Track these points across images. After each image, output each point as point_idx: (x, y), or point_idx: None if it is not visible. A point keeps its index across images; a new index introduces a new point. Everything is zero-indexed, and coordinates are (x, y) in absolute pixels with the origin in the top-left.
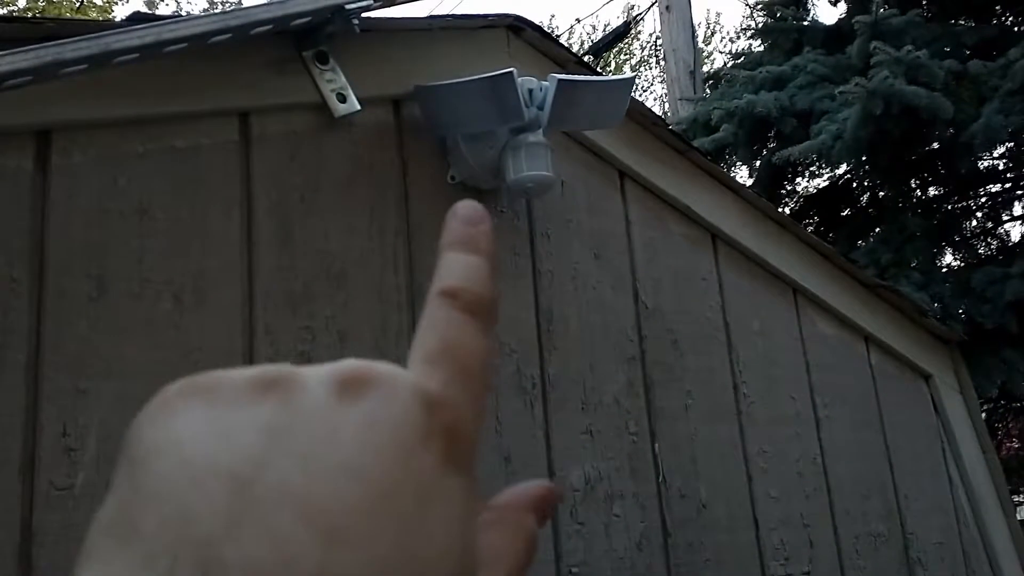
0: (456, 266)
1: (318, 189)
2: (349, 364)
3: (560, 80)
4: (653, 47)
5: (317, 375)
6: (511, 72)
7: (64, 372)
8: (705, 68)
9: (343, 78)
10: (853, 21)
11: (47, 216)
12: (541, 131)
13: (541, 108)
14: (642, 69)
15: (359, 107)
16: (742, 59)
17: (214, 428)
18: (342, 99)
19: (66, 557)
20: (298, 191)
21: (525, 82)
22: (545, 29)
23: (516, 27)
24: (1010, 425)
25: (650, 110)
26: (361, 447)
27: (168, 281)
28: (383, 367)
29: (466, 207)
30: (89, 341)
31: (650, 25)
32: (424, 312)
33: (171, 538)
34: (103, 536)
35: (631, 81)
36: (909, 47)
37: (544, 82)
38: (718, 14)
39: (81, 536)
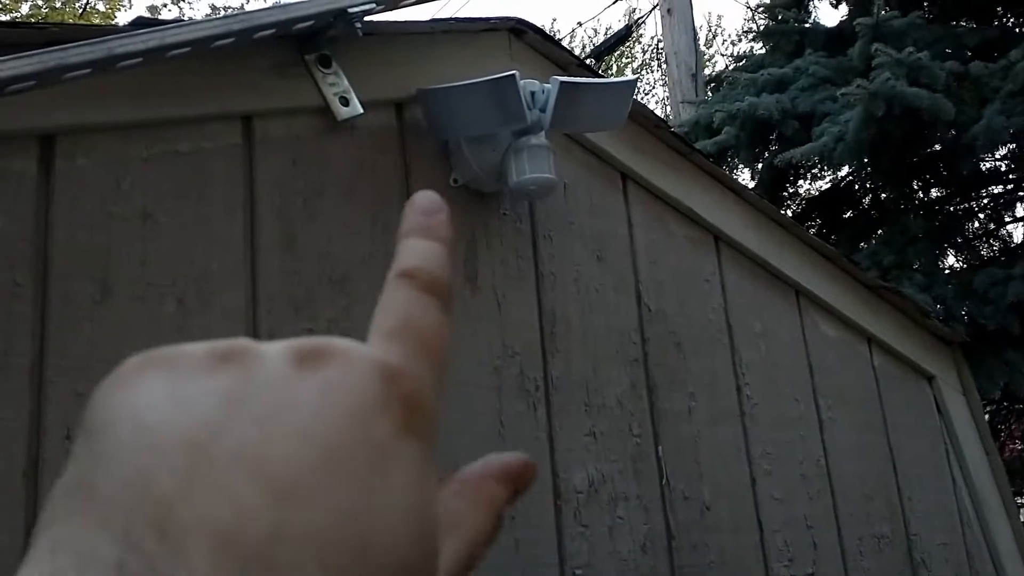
0: (414, 250)
1: (321, 193)
2: (307, 338)
3: (562, 82)
4: (655, 51)
5: (275, 347)
6: (513, 75)
7: (68, 376)
8: (707, 71)
9: (345, 81)
10: (854, 23)
11: (51, 220)
12: (543, 133)
13: (543, 110)
14: (644, 72)
15: (362, 110)
16: (743, 62)
17: (171, 397)
18: (345, 103)
19: None
20: (301, 195)
21: (527, 84)
22: (547, 32)
23: (518, 30)
24: (1012, 427)
25: (652, 112)
26: (317, 413)
27: (172, 284)
28: (342, 341)
29: (424, 197)
30: (93, 345)
31: (651, 29)
32: (382, 293)
33: (128, 499)
34: (62, 500)
35: (633, 83)
36: (910, 48)
37: (546, 84)
38: (719, 17)
39: None
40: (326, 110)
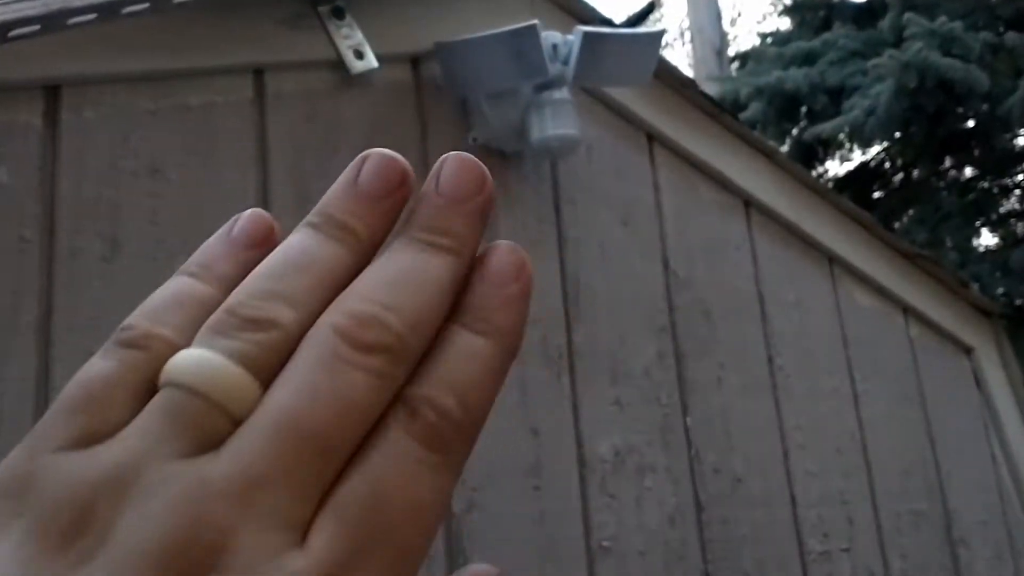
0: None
1: (335, 150)
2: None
3: (586, 32)
4: (679, 32)
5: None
6: (535, 25)
7: (76, 334)
8: (731, 52)
9: (360, 34)
10: None
11: (57, 174)
12: (566, 88)
13: (566, 63)
14: (667, 53)
15: (376, 64)
16: (770, 38)
17: None
18: (359, 56)
19: None
20: (315, 152)
21: (549, 36)
22: None
23: None
24: None
25: (679, 71)
26: None
27: (183, 242)
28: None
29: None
30: (102, 303)
31: (674, 9)
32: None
33: None
34: None
35: (660, 35)
36: (943, 18)
37: (569, 36)
38: None
39: None
40: (340, 64)
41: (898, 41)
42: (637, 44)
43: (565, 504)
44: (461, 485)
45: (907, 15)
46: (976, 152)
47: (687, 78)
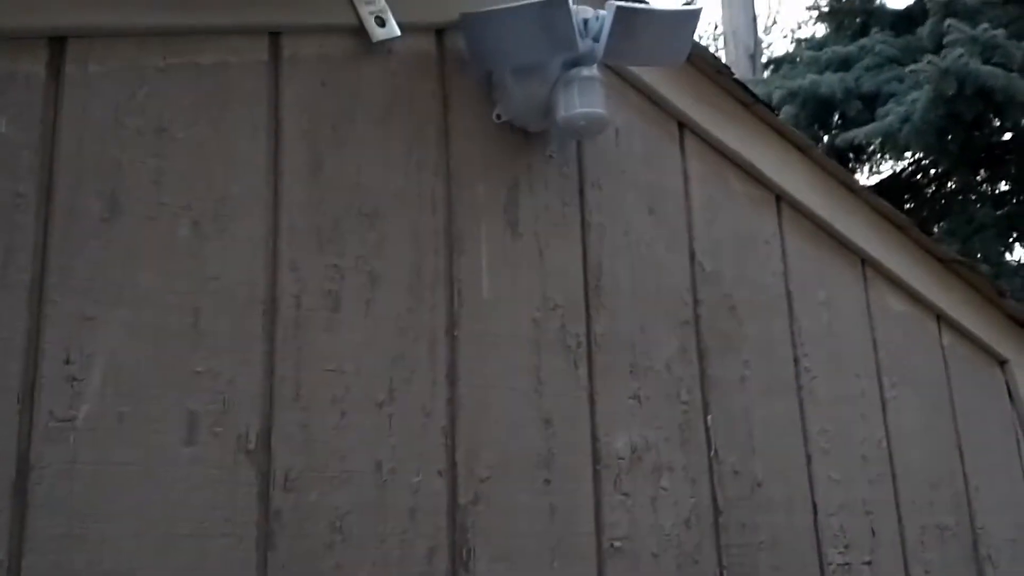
0: None
1: (352, 119)
2: None
3: (619, 8)
4: (712, 35)
5: None
6: None
7: (70, 296)
8: (764, 59)
9: (383, 1)
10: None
11: (58, 128)
12: (595, 66)
13: (597, 40)
14: None
15: (399, 32)
16: (805, 43)
17: None
18: (381, 23)
19: (67, 495)
20: (330, 119)
21: (580, 10)
22: None
23: None
24: None
25: (714, 56)
26: None
27: (187, 206)
28: None
29: None
30: (99, 265)
31: (708, 12)
32: None
33: None
34: None
35: (697, 13)
36: (985, 25)
37: (601, 11)
38: (779, 1)
39: (85, 473)
40: (360, 30)
41: (937, 48)
42: (672, 22)
43: (577, 500)
44: (468, 474)
45: (948, 21)
46: (1012, 167)
47: (722, 64)
